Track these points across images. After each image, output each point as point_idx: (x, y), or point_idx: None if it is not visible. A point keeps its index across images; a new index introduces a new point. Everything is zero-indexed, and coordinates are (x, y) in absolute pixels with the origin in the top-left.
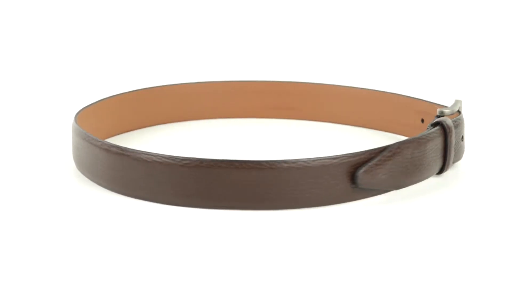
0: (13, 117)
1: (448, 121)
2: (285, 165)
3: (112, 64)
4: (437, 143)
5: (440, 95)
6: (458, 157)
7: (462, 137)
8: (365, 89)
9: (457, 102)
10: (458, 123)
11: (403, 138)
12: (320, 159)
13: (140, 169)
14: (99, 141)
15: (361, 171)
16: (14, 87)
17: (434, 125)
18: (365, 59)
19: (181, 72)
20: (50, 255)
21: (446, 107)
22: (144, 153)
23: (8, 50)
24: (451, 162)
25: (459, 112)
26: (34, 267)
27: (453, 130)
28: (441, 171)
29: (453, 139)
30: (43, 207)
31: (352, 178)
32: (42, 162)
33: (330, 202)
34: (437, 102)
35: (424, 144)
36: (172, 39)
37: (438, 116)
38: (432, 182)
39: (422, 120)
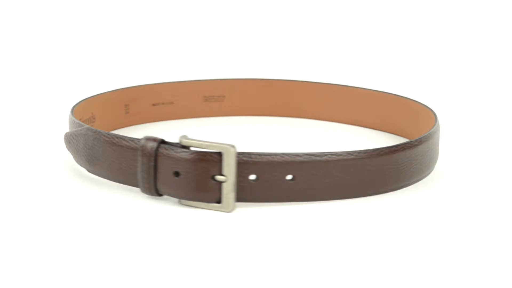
0: (9, 111)
1: (148, 143)
2: None
3: (113, 59)
4: (133, 154)
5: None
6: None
7: (176, 173)
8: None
9: (217, 146)
10: (172, 155)
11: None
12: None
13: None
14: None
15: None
16: (10, 82)
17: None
18: (372, 60)
19: (179, 71)
20: (50, 249)
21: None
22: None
23: (2, 45)
24: (149, 183)
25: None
26: (32, 260)
27: (145, 153)
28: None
29: (146, 161)
30: (41, 200)
31: None
32: (38, 156)
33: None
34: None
35: (99, 139)
36: (170, 37)
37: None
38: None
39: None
